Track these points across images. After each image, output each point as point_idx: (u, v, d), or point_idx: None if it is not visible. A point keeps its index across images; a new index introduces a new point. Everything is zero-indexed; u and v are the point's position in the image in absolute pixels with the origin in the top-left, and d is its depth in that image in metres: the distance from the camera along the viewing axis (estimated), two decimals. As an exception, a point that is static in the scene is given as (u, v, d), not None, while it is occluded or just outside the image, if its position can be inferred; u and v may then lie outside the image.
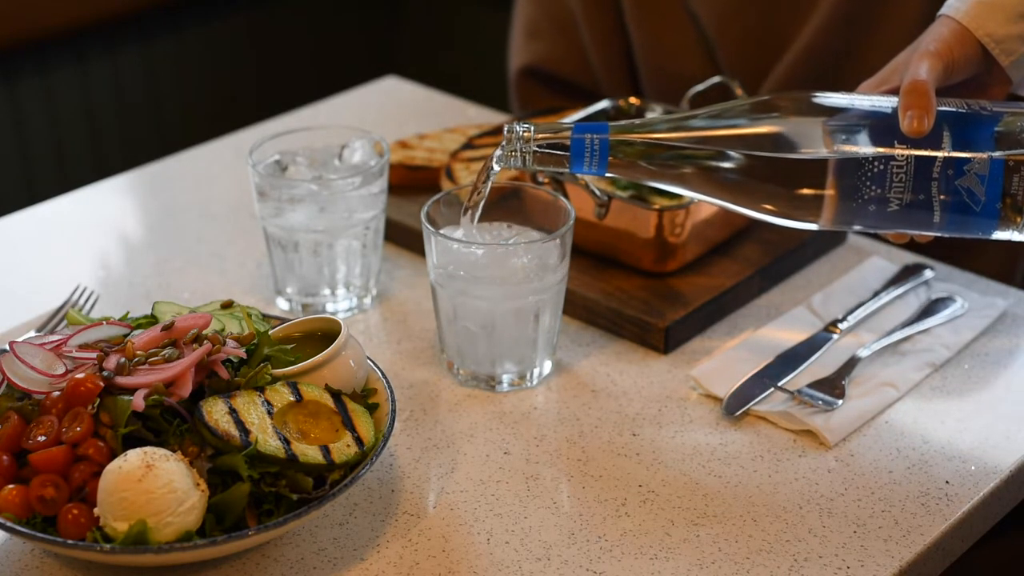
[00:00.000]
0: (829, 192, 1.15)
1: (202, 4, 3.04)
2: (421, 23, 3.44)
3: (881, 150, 1.14)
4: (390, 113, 1.84)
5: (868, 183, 1.14)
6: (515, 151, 1.18)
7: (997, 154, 1.14)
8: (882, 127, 1.15)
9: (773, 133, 1.15)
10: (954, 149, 1.14)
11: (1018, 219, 1.16)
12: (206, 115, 3.11)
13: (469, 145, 1.60)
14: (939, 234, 1.18)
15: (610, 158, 1.17)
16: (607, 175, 1.19)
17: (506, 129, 1.18)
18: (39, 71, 2.80)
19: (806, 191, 1.15)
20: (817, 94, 1.17)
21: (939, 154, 1.14)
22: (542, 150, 1.18)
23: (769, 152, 1.15)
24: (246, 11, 3.13)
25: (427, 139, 1.66)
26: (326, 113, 1.83)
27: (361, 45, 3.41)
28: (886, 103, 1.16)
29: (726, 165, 1.16)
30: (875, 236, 1.54)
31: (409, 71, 2.46)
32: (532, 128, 1.18)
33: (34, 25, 2.72)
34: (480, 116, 1.81)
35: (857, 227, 1.18)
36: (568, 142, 1.17)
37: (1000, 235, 1.18)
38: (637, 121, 1.19)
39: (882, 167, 1.14)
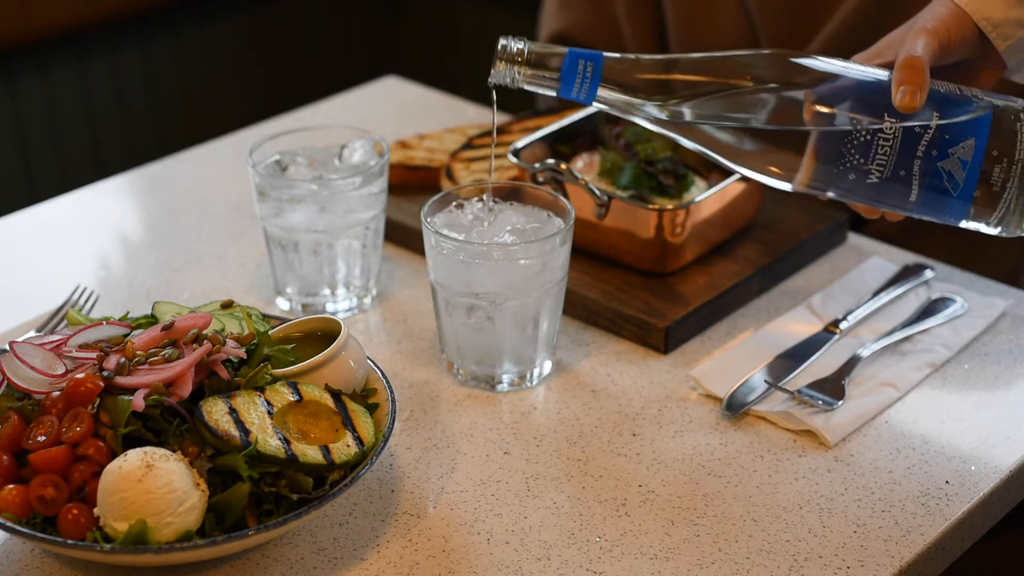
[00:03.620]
0: (810, 155, 1.15)
1: (202, 4, 3.04)
2: (421, 23, 3.44)
3: (870, 120, 1.14)
4: (390, 113, 1.84)
5: (852, 151, 1.14)
6: (507, 68, 1.18)
7: (983, 142, 1.14)
8: (873, 98, 1.15)
9: (764, 89, 1.15)
10: (942, 131, 1.14)
11: (991, 211, 1.16)
12: (206, 115, 3.11)
13: (469, 145, 1.60)
14: (910, 214, 1.19)
15: (600, 90, 1.17)
16: (594, 105, 1.18)
17: (500, 46, 1.18)
18: (39, 71, 2.80)
19: (788, 151, 1.16)
20: (814, 57, 1.17)
21: (926, 133, 1.14)
22: (533, 69, 1.17)
23: (757, 107, 1.15)
24: (246, 11, 3.13)
25: (427, 139, 1.66)
26: (326, 113, 1.83)
27: (361, 45, 3.41)
28: (880, 75, 1.17)
29: (712, 114, 1.16)
30: (877, 236, 1.54)
31: (409, 71, 2.46)
32: (526, 46, 1.17)
33: (34, 25, 2.72)
34: (480, 116, 1.81)
35: (831, 193, 1.18)
36: (561, 64, 1.17)
37: (968, 224, 1.18)
38: (632, 56, 1.19)
39: (868, 137, 1.14)
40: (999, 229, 1.18)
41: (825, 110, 1.14)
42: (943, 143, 1.14)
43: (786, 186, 1.19)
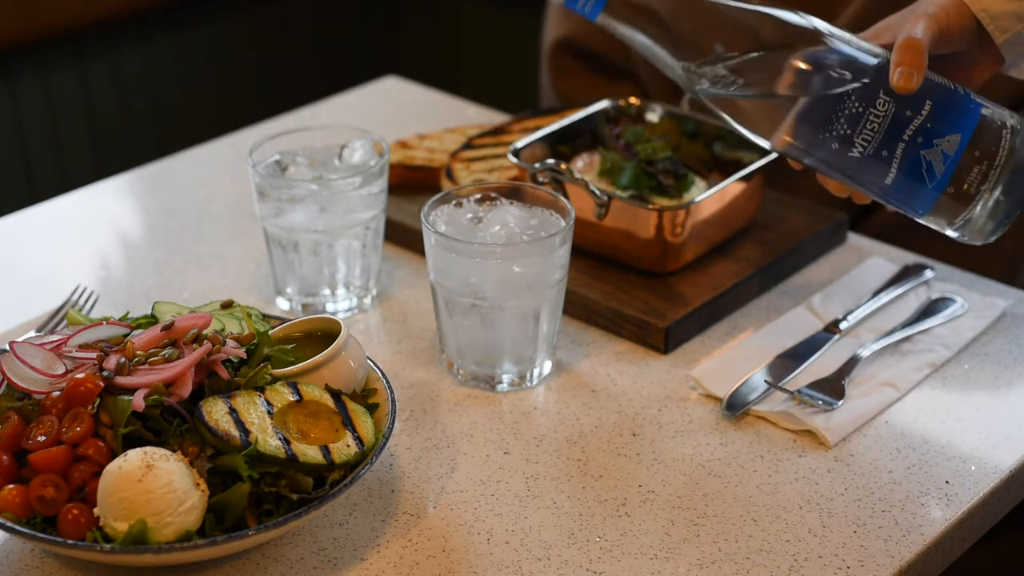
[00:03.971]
0: (798, 115, 1.15)
1: (202, 4, 3.04)
2: (421, 23, 3.44)
3: (865, 93, 1.14)
4: (390, 113, 1.84)
5: (841, 120, 1.15)
6: None
7: (968, 140, 1.15)
8: (871, 74, 1.15)
9: (765, 46, 1.15)
10: (931, 119, 1.15)
11: (960, 211, 1.17)
12: (206, 115, 3.11)
13: (469, 145, 1.60)
14: (880, 198, 1.19)
15: (604, 9, 1.16)
16: (596, 22, 1.17)
17: None
18: (39, 71, 2.80)
19: (777, 108, 1.16)
20: (822, 23, 1.17)
21: (916, 118, 1.15)
22: None
23: (754, 62, 1.15)
24: (246, 11, 3.13)
25: (427, 139, 1.66)
26: (326, 113, 1.83)
27: (361, 45, 3.41)
28: (880, 53, 1.17)
29: (712, 65, 1.16)
30: (877, 236, 1.54)
31: (409, 71, 2.46)
32: None
33: (34, 25, 2.72)
34: (480, 116, 1.81)
35: (808, 161, 1.18)
36: None
37: (930, 220, 1.19)
38: None
39: (860, 110, 1.14)
40: (959, 233, 1.19)
41: (823, 75, 1.15)
42: (929, 132, 1.15)
43: (765, 143, 1.19)
